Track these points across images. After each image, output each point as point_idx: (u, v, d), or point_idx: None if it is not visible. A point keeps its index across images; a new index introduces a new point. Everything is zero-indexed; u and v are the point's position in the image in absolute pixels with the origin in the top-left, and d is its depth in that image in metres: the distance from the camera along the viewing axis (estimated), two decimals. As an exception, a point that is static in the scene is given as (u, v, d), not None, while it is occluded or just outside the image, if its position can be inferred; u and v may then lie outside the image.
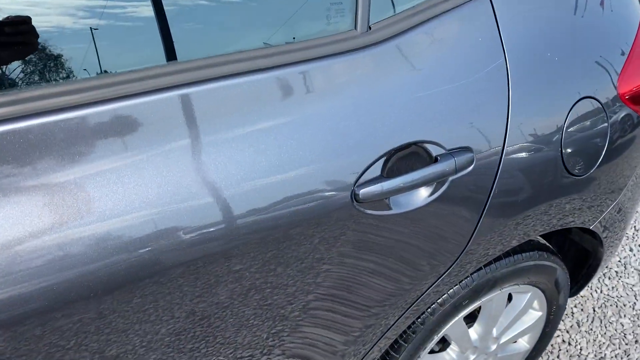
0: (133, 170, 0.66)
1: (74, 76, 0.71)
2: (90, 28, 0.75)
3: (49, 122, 0.63)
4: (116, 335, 0.68)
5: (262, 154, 0.73)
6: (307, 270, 0.81)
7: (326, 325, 0.91)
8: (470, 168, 0.89)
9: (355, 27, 0.82)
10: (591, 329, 1.98)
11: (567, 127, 1.00)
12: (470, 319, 1.38)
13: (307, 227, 0.77)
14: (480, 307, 1.31)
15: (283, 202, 0.74)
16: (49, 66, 0.76)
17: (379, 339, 1.03)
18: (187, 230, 0.68)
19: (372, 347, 1.03)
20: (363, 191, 0.79)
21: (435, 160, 0.86)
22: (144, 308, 0.69)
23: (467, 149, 0.88)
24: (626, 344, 1.91)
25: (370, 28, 0.83)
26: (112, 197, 0.65)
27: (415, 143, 0.83)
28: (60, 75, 0.72)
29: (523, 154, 0.95)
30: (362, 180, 0.80)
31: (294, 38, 0.80)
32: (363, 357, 1.04)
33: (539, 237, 1.33)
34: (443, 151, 0.86)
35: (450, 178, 0.87)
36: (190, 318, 0.73)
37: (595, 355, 1.87)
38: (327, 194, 0.77)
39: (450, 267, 1.00)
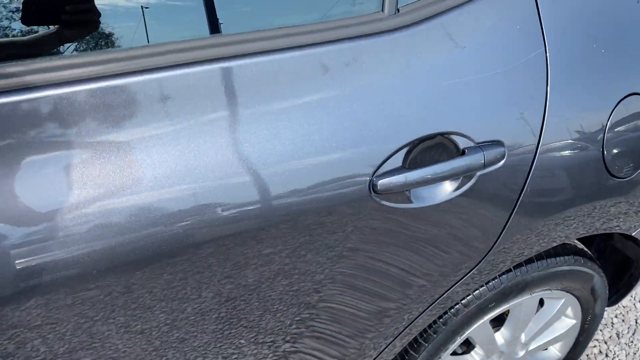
0: (170, 141, 0.67)
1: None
2: (142, 6, 0.77)
3: (95, 88, 0.64)
4: (142, 311, 0.70)
5: (277, 137, 0.72)
6: (337, 259, 0.81)
7: (349, 316, 0.90)
8: (501, 163, 0.85)
9: (383, 9, 0.79)
10: (632, 342, 1.89)
11: (612, 126, 0.94)
12: (498, 322, 1.34)
13: (341, 216, 0.76)
14: (508, 311, 1.27)
15: (298, 190, 0.73)
16: (100, 45, 0.78)
17: (400, 333, 1.01)
18: (221, 207, 0.69)
19: (393, 341, 1.02)
20: (382, 182, 0.77)
21: (462, 153, 0.83)
22: (172, 285, 0.70)
23: (498, 143, 0.84)
24: (669, 360, 1.81)
25: (398, 10, 0.80)
26: (150, 167, 0.66)
27: (441, 134, 0.81)
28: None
29: (560, 153, 0.91)
30: (381, 170, 0.77)
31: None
32: (382, 351, 1.02)
33: (576, 242, 1.27)
34: (472, 144, 0.83)
35: (478, 173, 0.84)
36: (217, 299, 0.74)
37: (634, 370, 1.78)
38: (344, 184, 0.76)
39: (475, 266, 0.97)
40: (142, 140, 0.66)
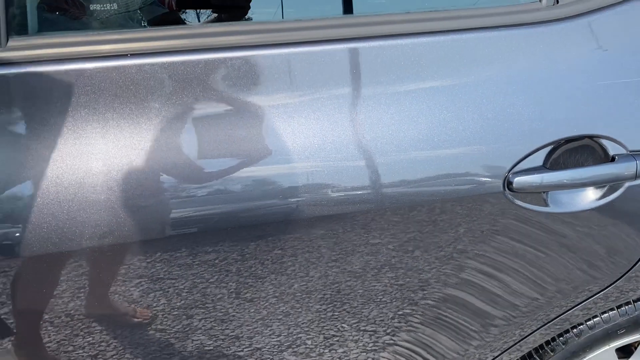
0: (293, 115, 0.69)
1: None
2: None
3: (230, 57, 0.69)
4: (253, 280, 0.74)
5: (412, 121, 0.71)
6: (447, 260, 0.79)
7: (455, 321, 0.88)
8: None
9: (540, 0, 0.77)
10: None
11: None
12: (625, 353, 1.21)
13: (453, 214, 0.75)
14: (639, 342, 1.14)
15: (428, 179, 0.73)
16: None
17: (509, 348, 0.96)
18: (333, 189, 0.70)
19: (501, 355, 0.97)
20: (519, 179, 0.73)
21: (612, 159, 0.76)
22: (282, 260, 0.73)
23: None
24: None
25: (557, 2, 0.77)
26: (272, 139, 0.69)
27: (590, 136, 0.75)
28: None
29: None
30: (519, 167, 0.74)
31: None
32: None
33: None
34: (624, 151, 0.76)
35: (628, 184, 0.77)
36: (323, 280, 0.76)
37: None
38: (477, 177, 0.74)
39: (605, 288, 0.90)
40: (267, 111, 0.69)
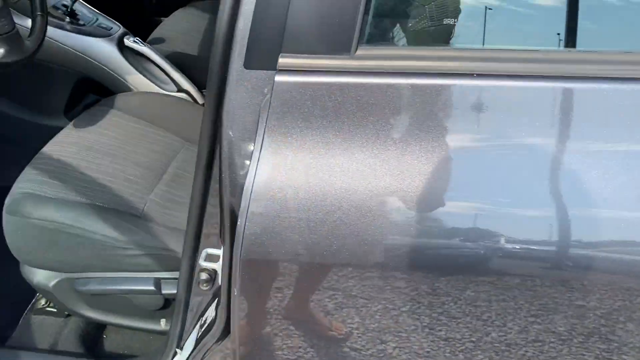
0: (480, 153, 0.66)
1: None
2: (485, 7, 0.78)
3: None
4: (447, 319, 0.70)
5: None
6: None
7: None
8: None
9: None
10: None
11: None
12: None
13: None
14: None
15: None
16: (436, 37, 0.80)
17: None
18: (515, 240, 0.66)
19: None
20: None
21: None
22: (476, 303, 0.68)
23: None
24: None
25: None
26: (461, 181, 0.67)
27: None
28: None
29: None
30: None
31: None
32: None
33: None
34: None
35: None
36: (523, 335, 0.70)
37: None
38: None
39: None
40: (450, 145, 0.66)
